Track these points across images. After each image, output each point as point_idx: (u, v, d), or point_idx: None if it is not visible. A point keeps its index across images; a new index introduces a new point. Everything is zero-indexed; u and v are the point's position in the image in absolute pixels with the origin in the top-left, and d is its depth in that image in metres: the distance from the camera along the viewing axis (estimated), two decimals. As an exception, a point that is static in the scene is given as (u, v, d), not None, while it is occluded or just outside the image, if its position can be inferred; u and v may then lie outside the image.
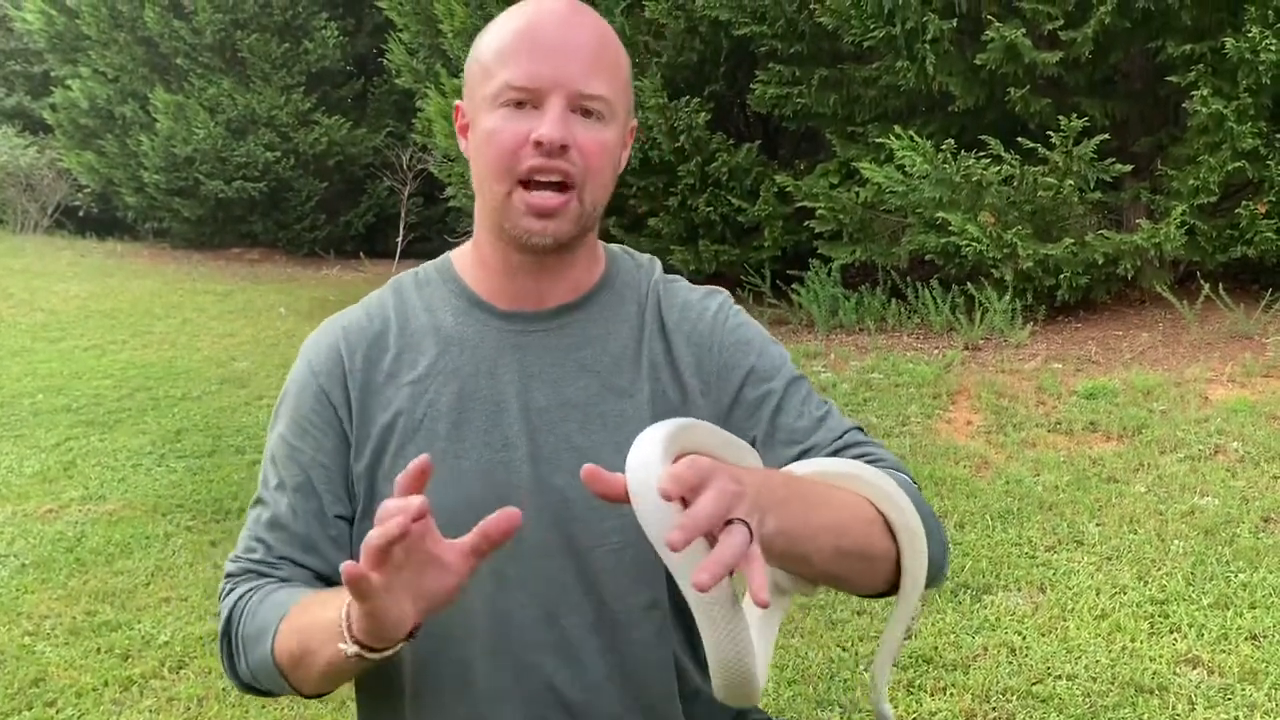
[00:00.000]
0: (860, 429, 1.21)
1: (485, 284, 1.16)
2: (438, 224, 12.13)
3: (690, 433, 0.89)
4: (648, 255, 1.25)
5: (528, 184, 1.07)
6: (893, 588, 1.07)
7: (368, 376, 1.15)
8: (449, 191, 9.38)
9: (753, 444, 1.11)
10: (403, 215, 11.46)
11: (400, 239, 11.29)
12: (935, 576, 1.08)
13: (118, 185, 12.53)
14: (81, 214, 14.34)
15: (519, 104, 1.05)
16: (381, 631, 0.93)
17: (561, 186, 1.07)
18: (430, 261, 1.24)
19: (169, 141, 11.63)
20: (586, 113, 1.07)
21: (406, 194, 11.40)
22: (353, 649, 0.95)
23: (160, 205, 12.30)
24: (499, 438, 1.12)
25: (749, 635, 0.87)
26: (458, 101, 1.16)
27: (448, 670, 1.11)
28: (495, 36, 1.09)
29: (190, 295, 9.98)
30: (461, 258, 1.21)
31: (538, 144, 1.04)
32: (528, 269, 1.13)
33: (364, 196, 12.52)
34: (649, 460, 0.84)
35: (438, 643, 1.09)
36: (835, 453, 1.14)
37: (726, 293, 1.24)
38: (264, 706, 3.10)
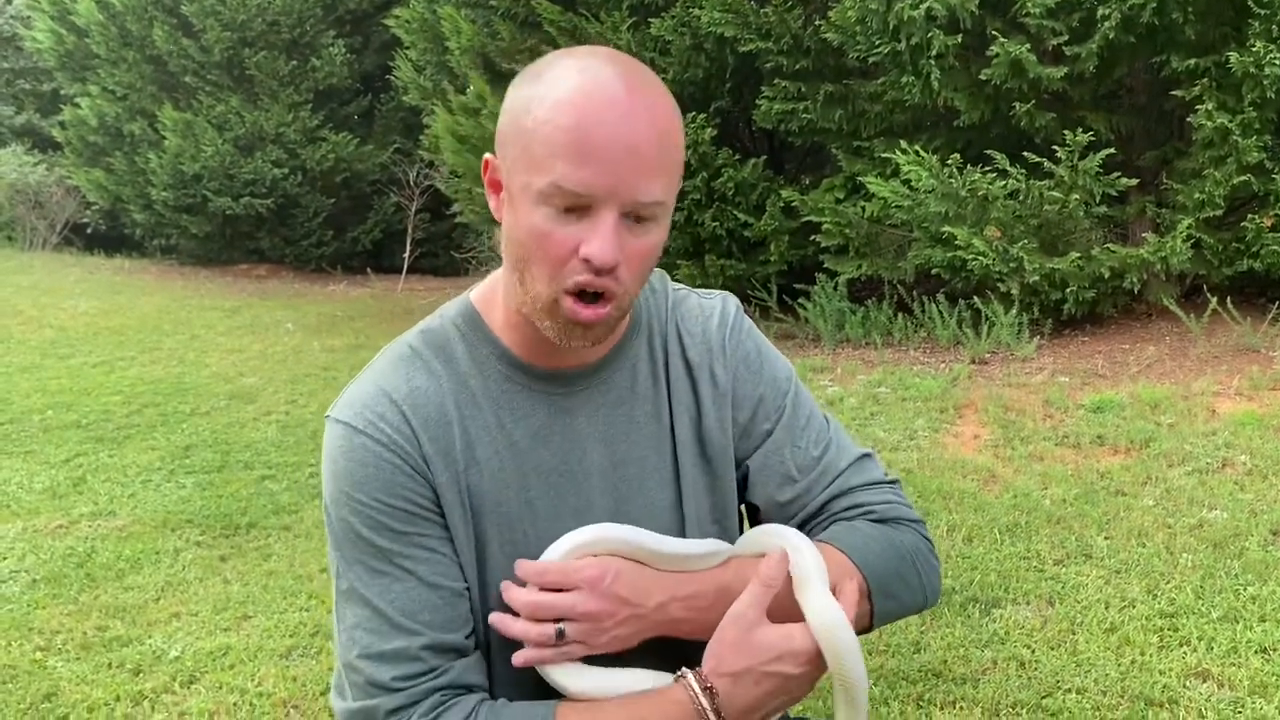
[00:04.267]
0: (868, 455, 1.21)
1: (522, 346, 1.10)
2: (444, 240, 12.17)
3: (622, 534, 1.05)
4: (657, 273, 1.20)
5: (570, 292, 1.01)
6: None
7: (444, 455, 1.07)
8: (456, 207, 9.43)
9: (745, 478, 1.16)
10: (409, 231, 11.50)
11: (407, 254, 11.33)
12: (923, 607, 1.16)
13: (126, 202, 12.60)
14: (89, 231, 14.41)
15: (567, 208, 0.97)
16: None
17: (605, 296, 1.02)
18: (448, 313, 1.14)
19: (177, 159, 11.70)
20: (640, 218, 0.99)
21: (413, 210, 11.44)
22: None
23: (168, 222, 12.36)
24: (568, 507, 1.10)
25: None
26: (488, 155, 1.05)
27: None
28: (545, 118, 0.96)
29: (198, 311, 10.02)
30: (490, 310, 1.12)
31: (586, 260, 0.98)
32: (566, 347, 1.08)
33: (371, 213, 12.57)
34: (548, 552, 1.04)
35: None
36: (824, 504, 1.16)
37: (734, 302, 1.22)
38: (274, 721, 3.11)
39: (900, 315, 6.96)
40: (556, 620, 1.02)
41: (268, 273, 12.51)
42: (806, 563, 1.03)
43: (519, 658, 1.03)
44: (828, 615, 0.99)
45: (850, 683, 1.01)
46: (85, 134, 12.65)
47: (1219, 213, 5.96)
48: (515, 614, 1.04)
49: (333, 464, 1.08)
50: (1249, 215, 5.93)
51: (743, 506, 1.22)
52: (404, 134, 12.24)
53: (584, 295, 1.00)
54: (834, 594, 1.02)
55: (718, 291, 1.23)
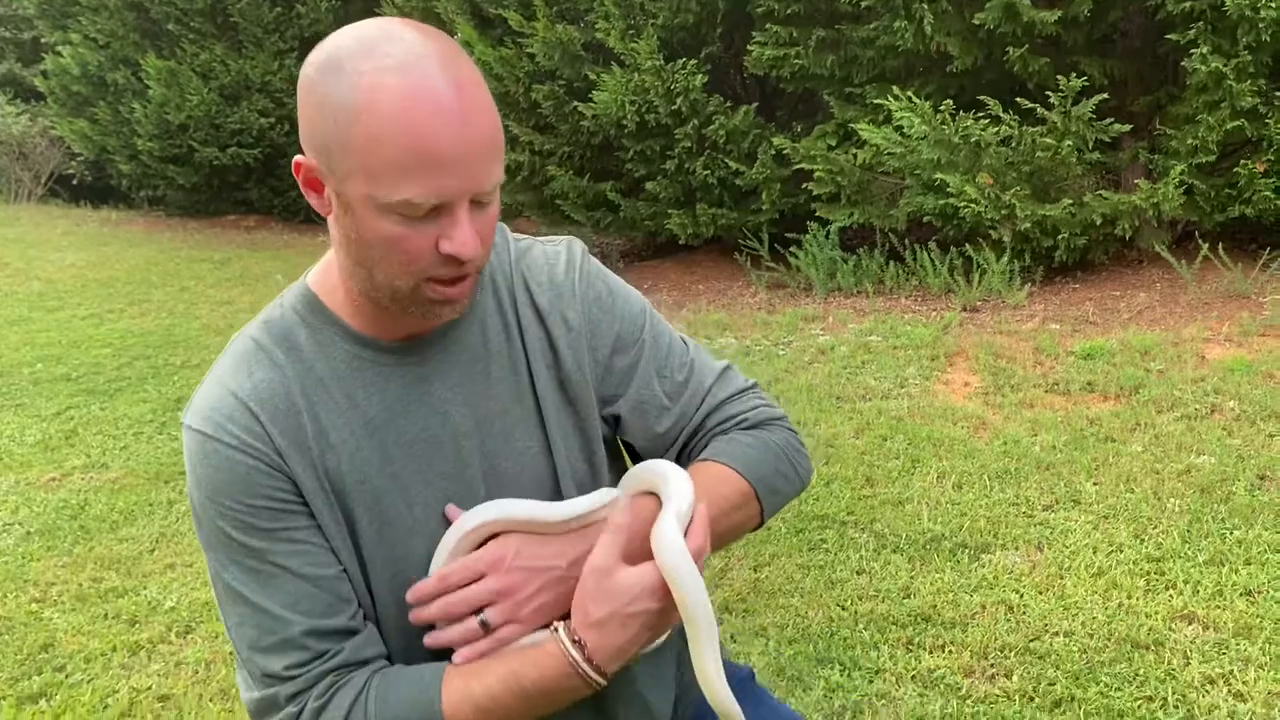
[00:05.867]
0: (728, 366, 1.25)
1: (366, 322, 1.10)
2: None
3: (506, 511, 1.07)
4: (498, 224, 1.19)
5: (436, 280, 1.02)
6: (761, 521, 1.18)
7: (297, 446, 1.06)
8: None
9: (618, 419, 1.18)
10: (399, 181, 11.41)
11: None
12: (801, 490, 1.22)
13: (111, 153, 12.46)
14: (75, 182, 14.26)
15: (417, 214, 0.98)
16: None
17: (464, 276, 1.04)
18: (287, 300, 1.13)
19: (162, 108, 11.55)
20: (484, 199, 1.01)
21: (402, 160, 11.34)
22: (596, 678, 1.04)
23: (155, 173, 12.23)
24: (436, 472, 1.11)
25: None
26: (300, 158, 1.01)
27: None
28: (379, 135, 0.93)
29: (187, 263, 9.97)
30: (330, 292, 1.11)
31: (448, 255, 0.99)
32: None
33: (359, 162, 12.45)
34: (439, 551, 1.07)
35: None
36: (699, 424, 1.20)
37: (580, 245, 1.22)
38: (271, 670, 3.14)
39: (892, 263, 6.95)
40: (476, 612, 1.06)
41: (256, 224, 12.42)
42: (669, 492, 1.07)
43: (460, 656, 1.07)
44: (665, 545, 1.02)
45: (690, 609, 1.03)
46: (68, 83, 12.47)
47: (1212, 158, 5.93)
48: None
49: (193, 472, 1.08)
50: (1242, 161, 5.91)
51: (621, 443, 1.25)
52: (391, 82, 12.04)
53: (440, 280, 1.02)
54: (688, 523, 1.05)
55: (562, 237, 1.23)
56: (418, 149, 0.93)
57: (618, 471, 1.22)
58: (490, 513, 1.07)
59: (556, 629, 1.05)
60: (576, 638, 1.03)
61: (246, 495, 1.04)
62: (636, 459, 1.23)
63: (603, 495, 1.10)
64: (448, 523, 1.10)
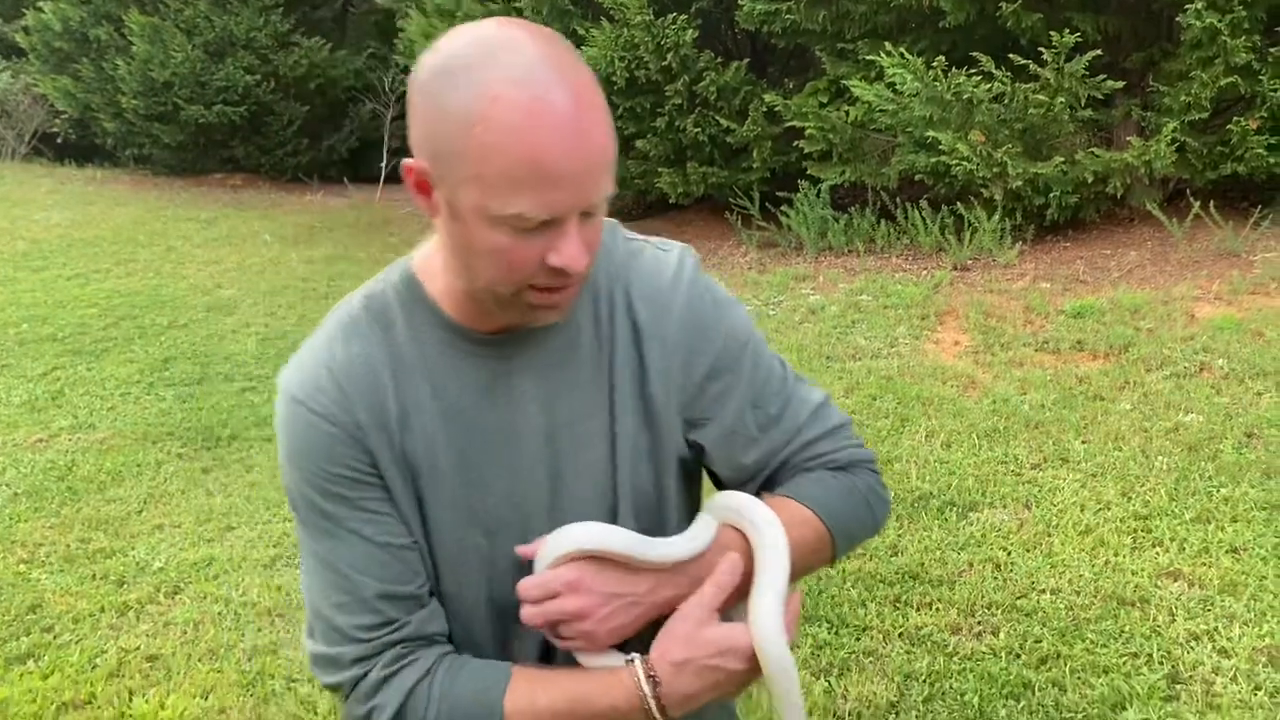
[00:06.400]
0: (824, 402, 1.22)
1: (461, 312, 1.11)
2: (422, 148, 11.98)
3: (606, 540, 1.08)
4: (609, 223, 1.16)
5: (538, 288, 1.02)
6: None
7: (379, 424, 1.09)
8: (433, 114, 9.23)
9: (703, 447, 1.17)
10: (386, 139, 11.30)
11: (384, 164, 11.15)
12: (873, 536, 1.25)
13: (95, 111, 12.31)
14: (60, 141, 14.10)
15: (529, 228, 0.97)
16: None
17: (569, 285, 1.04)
18: (391, 276, 1.14)
19: (146, 65, 11.40)
20: (594, 210, 1.00)
21: (389, 117, 11.23)
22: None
23: (139, 131, 12.09)
24: (505, 467, 1.12)
25: None
26: (410, 161, 1.01)
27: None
28: (497, 146, 0.93)
29: (173, 222, 9.88)
30: (430, 278, 1.12)
31: (557, 270, 0.99)
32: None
33: (346, 120, 12.33)
34: (543, 556, 1.08)
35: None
36: (786, 459, 1.19)
37: (692, 256, 1.19)
38: (260, 629, 3.14)
39: (883, 222, 6.92)
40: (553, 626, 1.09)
41: (243, 183, 12.31)
42: (766, 561, 1.09)
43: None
44: (766, 636, 1.06)
45: (779, 693, 1.08)
46: (50, 40, 12.29)
47: (1204, 115, 5.89)
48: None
49: (280, 432, 1.11)
50: (1234, 118, 5.87)
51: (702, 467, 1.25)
52: (378, 38, 11.94)
53: (543, 288, 1.02)
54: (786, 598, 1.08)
55: (675, 244, 1.20)
56: (534, 163, 0.93)
57: (687, 497, 1.22)
58: (587, 540, 1.08)
59: (634, 659, 1.07)
60: (652, 673, 1.06)
61: (327, 462, 1.07)
62: (715, 480, 1.23)
63: (696, 542, 1.10)
64: (513, 523, 1.11)
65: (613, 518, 1.13)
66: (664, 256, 1.17)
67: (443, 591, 1.13)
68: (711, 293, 1.17)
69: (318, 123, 12.26)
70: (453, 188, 0.97)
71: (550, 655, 1.15)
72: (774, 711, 1.11)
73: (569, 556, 1.07)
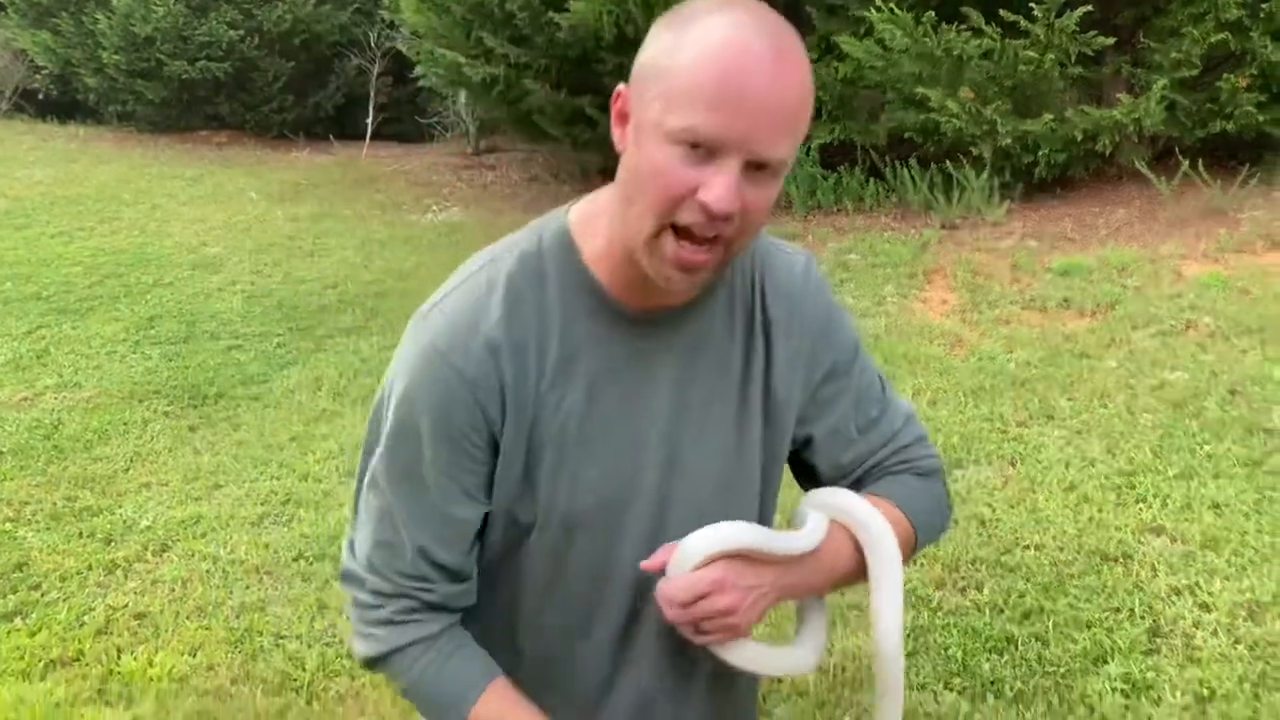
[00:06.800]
0: (911, 412, 1.30)
1: (610, 278, 1.11)
2: (408, 104, 11.83)
3: (741, 538, 1.12)
4: None
5: (678, 230, 1.01)
6: None
7: (519, 388, 1.09)
8: (418, 70, 9.13)
9: (808, 441, 1.23)
10: (372, 96, 11.17)
11: (370, 120, 11.03)
12: (937, 540, 1.33)
13: (76, 66, 12.12)
14: (41, 97, 13.89)
15: (695, 145, 0.97)
16: None
17: (714, 240, 1.02)
18: (546, 235, 1.13)
19: (127, 20, 11.21)
20: (760, 166, 0.99)
21: (375, 73, 11.08)
22: None
23: (122, 87, 11.92)
24: (626, 444, 1.13)
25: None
26: (621, 86, 1.04)
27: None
28: (693, 64, 0.97)
29: (158, 180, 9.78)
30: (587, 235, 1.11)
31: (703, 204, 0.98)
32: (662, 288, 1.08)
33: (332, 76, 12.16)
34: (681, 562, 1.10)
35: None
36: (878, 461, 1.25)
37: (814, 259, 1.24)
38: (248, 587, 3.15)
39: (872, 181, 6.89)
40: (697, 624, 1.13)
41: (229, 140, 12.16)
42: (882, 560, 1.17)
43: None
44: (888, 626, 1.17)
45: (885, 687, 1.19)
46: (28, -7, 12.08)
47: (1195, 73, 5.86)
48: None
49: (409, 368, 1.11)
50: (1225, 75, 5.84)
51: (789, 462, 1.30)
52: (364, -7, 11.75)
53: (688, 235, 1.01)
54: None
55: (799, 248, 1.24)
56: (720, 80, 0.96)
57: (776, 488, 1.27)
58: (725, 541, 1.12)
59: None
60: None
61: (442, 419, 1.08)
62: (803, 473, 1.28)
63: (814, 536, 1.15)
64: (623, 498, 1.13)
65: (724, 503, 1.16)
66: (792, 257, 1.21)
67: (531, 554, 1.15)
68: (828, 297, 1.23)
69: (303, 79, 12.10)
70: (644, 106, 1.00)
71: (631, 627, 1.19)
72: (874, 703, 1.21)
73: (710, 559, 1.10)
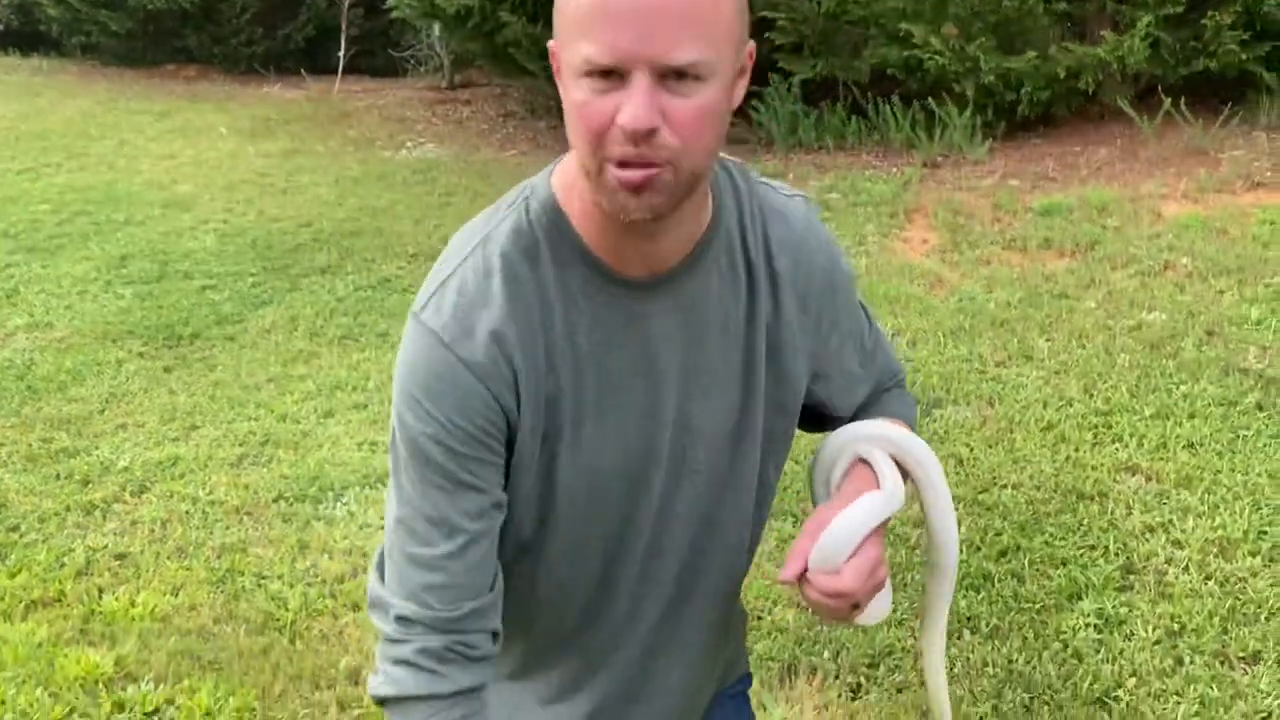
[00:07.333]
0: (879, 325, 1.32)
1: (600, 241, 1.08)
2: (381, 37, 11.60)
3: (874, 517, 1.14)
4: (734, 162, 1.17)
5: (614, 161, 0.98)
6: None
7: (530, 373, 1.07)
8: (391, 1, 8.95)
9: (823, 386, 1.24)
10: (343, 28, 10.95)
11: (342, 53, 10.82)
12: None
13: (38, -4, 11.82)
14: (2, 29, 13.56)
15: (605, 73, 0.94)
16: None
17: (652, 163, 0.98)
18: (533, 205, 1.10)
19: (90, -53, 10.92)
20: (680, 75, 0.95)
21: (346, 5, 10.85)
22: None
23: (85, 18, 11.64)
24: (638, 408, 1.11)
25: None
26: (552, 41, 1.03)
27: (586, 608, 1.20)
28: None
29: (126, 115, 9.58)
30: (570, 197, 1.09)
31: (621, 129, 0.95)
32: (636, 231, 1.05)
33: (302, 8, 11.90)
34: (833, 558, 1.12)
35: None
36: (879, 387, 1.30)
37: (812, 203, 1.22)
38: (228, 527, 3.14)
39: (854, 118, 6.83)
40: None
41: (197, 74, 11.92)
42: (939, 488, 1.24)
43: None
44: (953, 528, 1.26)
45: (951, 571, 1.29)
46: (-13, -81, 11.72)
47: (1179, 9, 5.82)
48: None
49: (412, 368, 1.06)
50: (1209, 12, 5.80)
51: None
52: (334, -79, 11.45)
53: (626, 166, 0.98)
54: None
55: (795, 190, 1.22)
56: (596, 2, 0.94)
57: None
58: (865, 525, 1.13)
59: None
60: None
61: (457, 414, 1.05)
62: (811, 417, 1.27)
63: (899, 479, 1.18)
64: (637, 462, 1.12)
65: (734, 458, 1.16)
66: (791, 202, 1.19)
67: (556, 525, 1.13)
68: (832, 242, 1.21)
69: (272, 11, 11.83)
70: (560, 52, 0.99)
71: (645, 589, 1.18)
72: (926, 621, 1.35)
73: (856, 544, 1.12)
